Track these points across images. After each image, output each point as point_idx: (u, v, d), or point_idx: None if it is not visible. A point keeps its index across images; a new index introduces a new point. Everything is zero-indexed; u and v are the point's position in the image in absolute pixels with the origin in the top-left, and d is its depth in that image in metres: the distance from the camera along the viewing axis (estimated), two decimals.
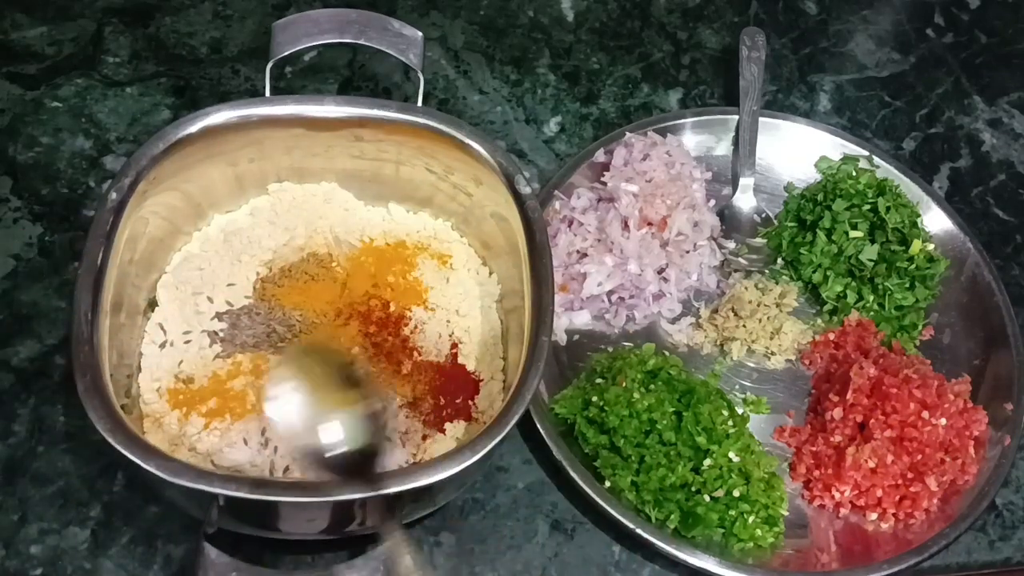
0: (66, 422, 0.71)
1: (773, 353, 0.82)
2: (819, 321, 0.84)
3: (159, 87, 0.90)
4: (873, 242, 0.83)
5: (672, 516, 0.69)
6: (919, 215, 0.86)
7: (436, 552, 0.70)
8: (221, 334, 0.69)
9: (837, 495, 0.73)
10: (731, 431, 0.71)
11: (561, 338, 0.80)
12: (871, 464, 0.72)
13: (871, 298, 0.83)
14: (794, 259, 0.86)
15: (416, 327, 0.72)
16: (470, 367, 0.71)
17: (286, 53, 0.72)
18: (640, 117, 0.95)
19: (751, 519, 0.69)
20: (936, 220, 0.88)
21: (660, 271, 0.82)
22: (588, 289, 0.80)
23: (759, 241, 0.88)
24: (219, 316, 0.70)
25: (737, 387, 0.80)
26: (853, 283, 0.84)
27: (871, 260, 0.83)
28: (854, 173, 0.89)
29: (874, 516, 0.73)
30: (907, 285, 0.83)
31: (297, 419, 0.57)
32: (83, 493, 0.68)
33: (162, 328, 0.69)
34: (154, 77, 0.90)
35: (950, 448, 0.74)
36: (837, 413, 0.74)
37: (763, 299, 0.83)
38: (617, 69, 0.99)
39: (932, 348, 0.83)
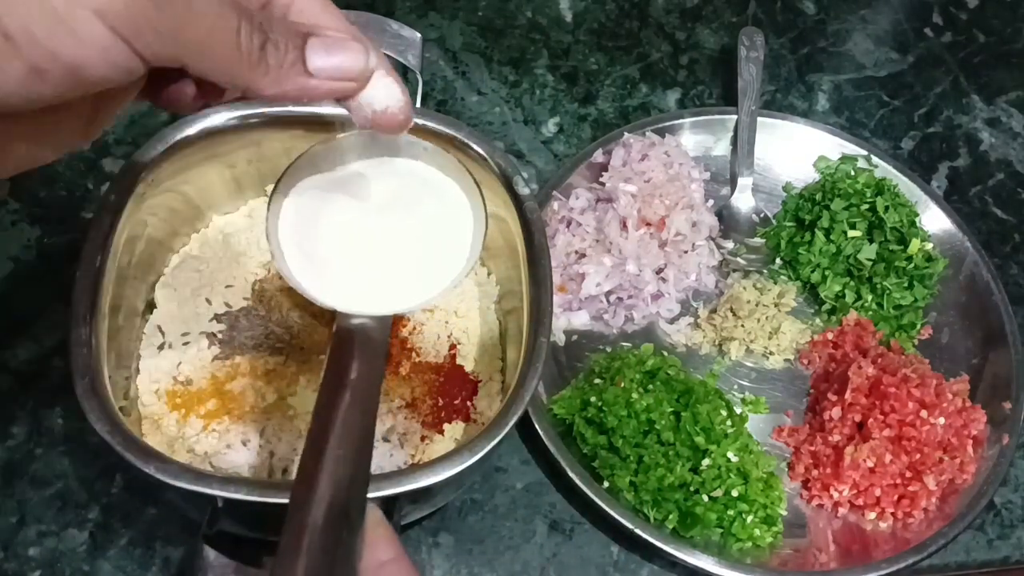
0: (64, 424, 0.71)
1: (771, 353, 0.82)
2: (817, 321, 0.85)
3: None
4: (871, 241, 0.83)
5: (671, 516, 0.69)
6: (917, 214, 0.86)
7: (435, 553, 0.70)
8: (220, 336, 0.69)
9: (836, 494, 0.73)
10: (729, 431, 0.71)
11: (560, 338, 0.80)
12: (869, 463, 0.72)
13: (869, 297, 0.83)
14: (792, 259, 0.86)
15: (414, 328, 0.72)
16: (469, 368, 0.71)
17: None
18: (638, 117, 0.95)
19: (749, 519, 0.69)
20: (934, 219, 0.88)
21: (658, 271, 0.82)
22: (586, 289, 0.80)
23: (757, 241, 0.88)
24: (217, 318, 0.70)
25: (735, 387, 0.80)
26: (851, 283, 0.84)
27: (869, 259, 0.83)
28: (852, 173, 0.89)
29: (872, 515, 0.73)
30: (905, 284, 0.83)
31: None
32: (81, 495, 0.69)
33: (160, 330, 0.69)
34: None
35: (948, 447, 0.74)
36: (835, 413, 0.74)
37: (761, 299, 0.83)
38: (615, 69, 0.99)
39: (930, 347, 0.84)
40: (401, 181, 0.53)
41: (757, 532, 0.70)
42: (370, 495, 0.55)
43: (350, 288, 0.51)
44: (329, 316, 0.70)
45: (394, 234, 0.52)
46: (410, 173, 0.54)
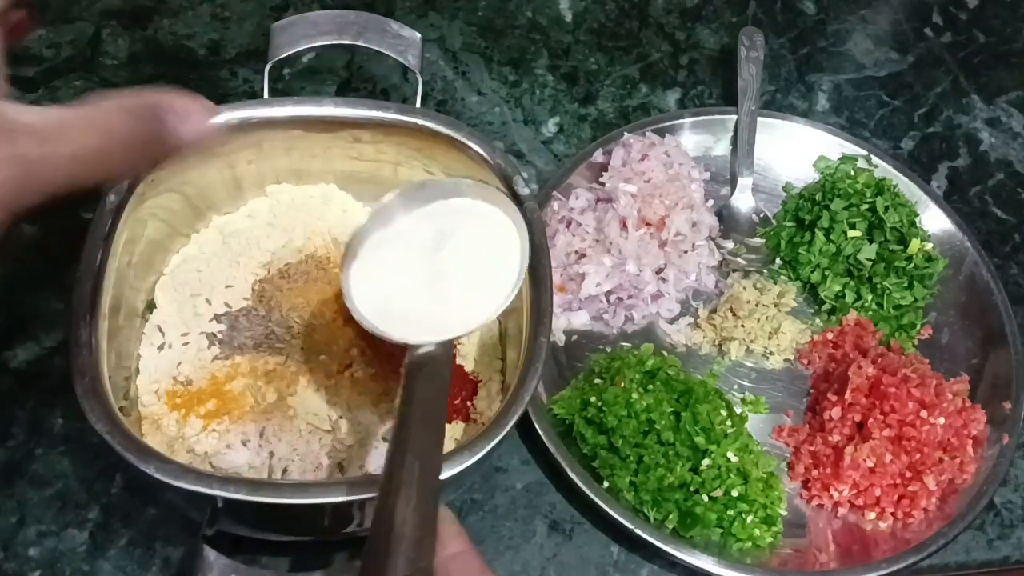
0: (64, 424, 0.71)
1: (771, 353, 0.82)
2: (817, 321, 0.84)
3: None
4: (871, 241, 0.83)
5: (670, 516, 0.69)
6: (917, 214, 0.86)
7: None
8: (219, 336, 0.69)
9: (835, 494, 0.73)
10: (729, 431, 0.71)
11: (559, 338, 0.80)
12: (869, 463, 0.72)
13: (869, 297, 0.83)
14: (792, 259, 0.86)
15: None
16: (468, 368, 0.71)
17: (284, 55, 0.72)
18: (638, 117, 0.95)
19: (749, 519, 0.69)
20: (934, 219, 0.88)
21: (658, 271, 0.82)
22: (586, 289, 0.80)
23: (757, 241, 0.88)
24: (217, 318, 0.70)
25: (735, 387, 0.80)
26: (851, 282, 0.84)
27: (869, 259, 0.83)
28: (852, 173, 0.89)
29: (872, 515, 0.73)
30: (905, 284, 0.83)
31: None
32: (81, 495, 0.69)
33: (160, 330, 0.69)
34: (152, 79, 0.90)
35: (948, 447, 0.74)
36: (835, 413, 0.74)
37: (761, 299, 0.83)
38: (615, 69, 0.99)
39: (930, 347, 0.83)
40: (450, 219, 0.61)
41: (757, 532, 0.70)
42: (370, 495, 0.55)
43: (417, 322, 0.58)
44: (330, 317, 0.70)
45: (448, 267, 0.60)
46: (457, 211, 0.61)
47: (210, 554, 0.57)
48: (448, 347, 0.57)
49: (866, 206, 0.84)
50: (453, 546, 0.48)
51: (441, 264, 0.60)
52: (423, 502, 0.48)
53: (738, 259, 0.86)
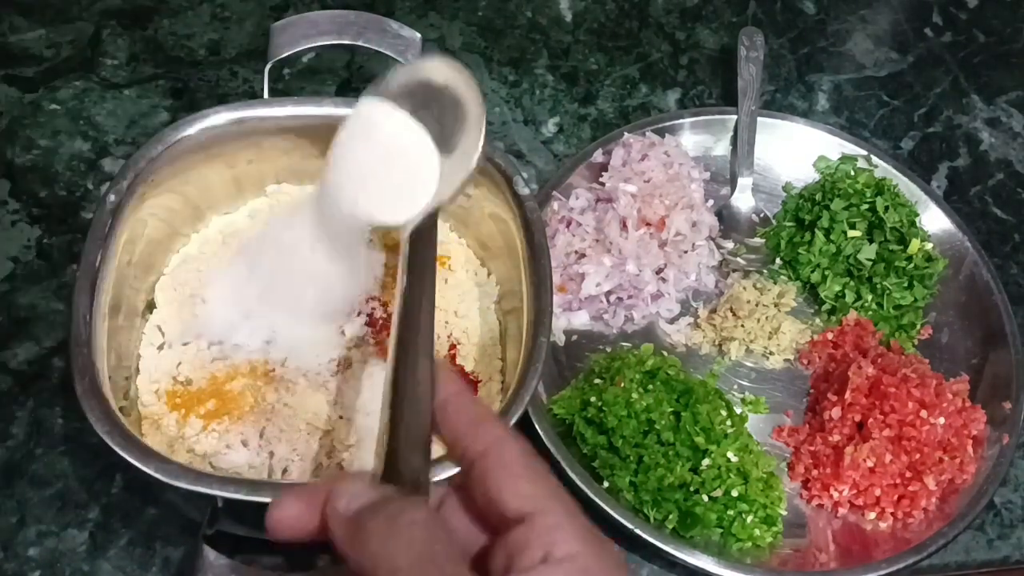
0: (64, 424, 0.71)
1: (771, 353, 0.82)
2: (817, 321, 0.84)
3: (157, 89, 0.90)
4: (871, 241, 0.83)
5: (670, 516, 0.69)
6: (917, 214, 0.86)
7: None
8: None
9: (835, 494, 0.73)
10: (729, 431, 0.71)
11: (559, 339, 0.80)
12: (869, 463, 0.72)
13: (869, 297, 0.83)
14: (792, 259, 0.86)
15: None
16: (468, 368, 0.71)
17: (284, 55, 0.72)
18: (638, 117, 0.95)
19: (749, 519, 0.69)
20: (934, 219, 0.88)
21: (658, 271, 0.82)
22: (586, 289, 0.80)
23: (757, 241, 0.88)
24: None
25: (735, 387, 0.80)
26: (851, 282, 0.84)
27: (869, 259, 0.83)
28: (852, 172, 0.89)
29: (872, 515, 0.73)
30: (905, 284, 0.83)
31: None
32: (81, 495, 0.69)
33: (160, 330, 0.69)
34: (152, 79, 0.90)
35: (948, 447, 0.74)
36: (835, 412, 0.74)
37: (761, 299, 0.83)
38: (615, 69, 0.99)
39: (930, 347, 0.83)
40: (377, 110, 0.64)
41: (757, 532, 0.70)
42: None
43: (404, 197, 0.59)
44: None
45: (406, 152, 0.61)
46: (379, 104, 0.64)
47: (210, 554, 0.57)
48: (433, 214, 0.59)
49: (866, 206, 0.84)
50: (449, 387, 0.49)
51: (400, 153, 0.62)
52: (430, 358, 0.49)
53: (738, 259, 0.86)
